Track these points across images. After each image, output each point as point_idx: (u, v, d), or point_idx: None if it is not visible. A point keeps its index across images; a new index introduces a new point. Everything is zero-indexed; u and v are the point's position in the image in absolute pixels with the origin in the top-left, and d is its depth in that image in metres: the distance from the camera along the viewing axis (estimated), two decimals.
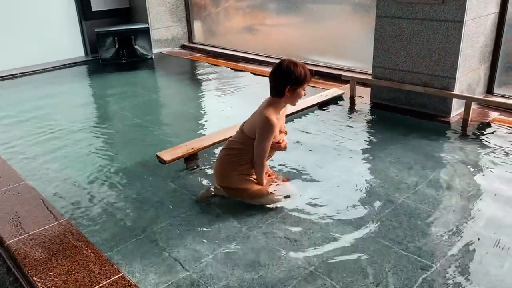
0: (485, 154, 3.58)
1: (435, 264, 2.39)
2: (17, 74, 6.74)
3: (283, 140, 2.99)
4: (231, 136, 3.20)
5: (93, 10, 7.61)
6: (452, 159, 3.55)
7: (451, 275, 2.31)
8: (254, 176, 3.01)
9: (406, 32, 4.24)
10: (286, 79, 2.83)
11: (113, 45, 7.18)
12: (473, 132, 3.96)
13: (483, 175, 3.28)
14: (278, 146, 2.97)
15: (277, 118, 2.88)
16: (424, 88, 4.25)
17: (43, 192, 3.20)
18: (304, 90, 2.91)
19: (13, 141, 4.28)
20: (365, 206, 2.95)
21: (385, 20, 4.36)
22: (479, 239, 2.58)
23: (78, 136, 4.35)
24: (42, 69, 6.99)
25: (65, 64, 7.26)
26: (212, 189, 3.10)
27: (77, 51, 7.76)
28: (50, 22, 7.32)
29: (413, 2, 4.09)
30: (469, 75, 4.24)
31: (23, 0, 6.97)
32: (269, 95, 2.97)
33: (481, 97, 4.13)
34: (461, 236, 2.61)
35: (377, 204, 2.97)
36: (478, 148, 3.67)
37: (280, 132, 3.01)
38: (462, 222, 2.74)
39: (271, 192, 2.99)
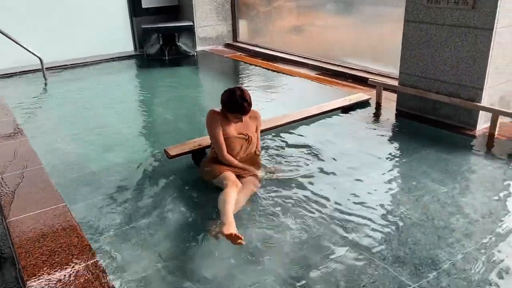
0: (506, 172, 3.33)
1: (413, 284, 2.27)
2: (67, 65, 7.21)
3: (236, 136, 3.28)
4: (246, 135, 3.34)
5: (143, 7, 7.94)
6: (468, 176, 3.35)
7: None
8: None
9: (434, 38, 4.03)
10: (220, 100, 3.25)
11: (158, 41, 7.45)
12: (498, 148, 3.70)
13: (500, 195, 3.05)
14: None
15: (227, 122, 3.24)
16: (450, 98, 4.02)
17: (56, 177, 3.41)
18: (235, 118, 3.20)
19: (45, 126, 4.62)
20: (357, 215, 2.86)
21: (413, 25, 4.18)
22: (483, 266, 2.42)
23: (106, 127, 4.59)
24: (92, 61, 7.42)
25: (114, 58, 7.64)
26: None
27: (128, 45, 8.14)
28: (103, 17, 7.72)
29: (442, 7, 3.88)
30: (501, 87, 3.96)
31: None
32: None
33: (508, 111, 3.83)
34: (443, 259, 2.46)
35: (376, 216, 2.86)
36: (500, 166, 3.42)
37: (240, 133, 3.27)
38: (459, 245, 2.58)
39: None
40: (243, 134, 3.31)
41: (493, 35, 3.62)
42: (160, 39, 7.44)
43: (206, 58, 7.67)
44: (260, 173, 3.30)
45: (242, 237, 2.49)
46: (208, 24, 8.13)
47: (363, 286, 2.27)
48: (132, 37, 8.13)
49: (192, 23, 7.69)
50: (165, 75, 6.69)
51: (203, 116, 3.35)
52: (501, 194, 3.05)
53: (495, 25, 3.59)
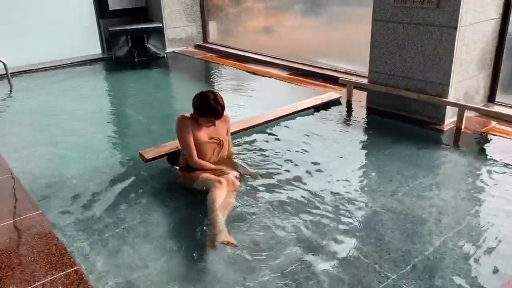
0: (472, 165, 3.47)
1: (392, 276, 2.35)
2: (33, 69, 7.01)
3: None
4: (218, 139, 3.31)
5: (110, 9, 7.81)
6: (438, 169, 3.47)
7: None
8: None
9: (401, 36, 4.16)
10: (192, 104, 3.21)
11: (126, 43, 7.35)
12: (465, 142, 3.84)
13: (467, 187, 3.17)
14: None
15: (198, 127, 3.21)
16: (418, 95, 4.15)
17: (28, 184, 3.33)
18: (208, 122, 3.17)
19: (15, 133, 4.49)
20: (334, 212, 2.92)
21: (381, 24, 4.29)
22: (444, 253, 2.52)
23: (78, 132, 4.50)
24: (60, 65, 7.24)
25: (81, 61, 7.49)
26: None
27: (95, 48, 7.99)
28: (69, 19, 7.55)
29: (408, 6, 4.01)
30: (466, 82, 4.12)
31: None
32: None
33: (473, 105, 4.00)
34: (418, 251, 2.55)
35: (348, 211, 2.93)
36: (465, 158, 3.57)
37: (211, 138, 3.26)
38: (432, 236, 2.68)
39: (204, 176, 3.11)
40: (215, 139, 3.28)
41: (457, 32, 3.77)
42: (129, 41, 7.34)
43: (176, 60, 7.62)
44: (236, 172, 3.29)
45: (235, 242, 2.56)
46: (177, 25, 8.08)
47: (345, 280, 2.33)
48: (99, 40, 7.99)
49: (161, 25, 7.63)
50: (135, 78, 6.61)
51: (174, 118, 3.32)
52: (469, 186, 3.18)
53: (458, 23, 3.74)
